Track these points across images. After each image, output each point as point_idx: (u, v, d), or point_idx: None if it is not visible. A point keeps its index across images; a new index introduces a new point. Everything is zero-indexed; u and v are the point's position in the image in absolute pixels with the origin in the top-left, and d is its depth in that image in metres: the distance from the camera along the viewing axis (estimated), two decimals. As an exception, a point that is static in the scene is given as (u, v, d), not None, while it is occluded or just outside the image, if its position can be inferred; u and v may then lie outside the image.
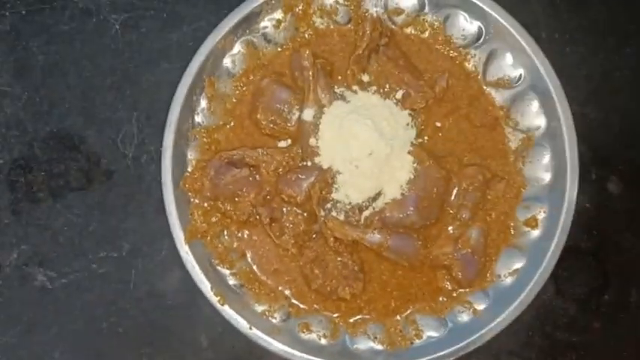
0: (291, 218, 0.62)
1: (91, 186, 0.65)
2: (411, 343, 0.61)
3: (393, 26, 0.65)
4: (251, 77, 0.64)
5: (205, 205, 0.62)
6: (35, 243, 0.64)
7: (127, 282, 0.64)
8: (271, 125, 0.63)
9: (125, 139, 0.65)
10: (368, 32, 0.62)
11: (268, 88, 0.63)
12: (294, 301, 0.63)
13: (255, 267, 0.63)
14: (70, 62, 0.66)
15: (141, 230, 0.64)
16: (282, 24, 0.64)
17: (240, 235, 0.63)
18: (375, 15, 0.64)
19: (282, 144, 0.63)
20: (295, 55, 0.63)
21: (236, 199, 0.62)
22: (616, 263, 0.66)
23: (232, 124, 0.64)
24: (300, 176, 0.61)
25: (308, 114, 0.62)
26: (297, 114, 0.62)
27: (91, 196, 0.65)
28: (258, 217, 0.62)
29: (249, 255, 0.63)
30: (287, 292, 0.63)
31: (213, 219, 0.62)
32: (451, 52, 0.65)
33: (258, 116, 0.63)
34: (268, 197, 0.62)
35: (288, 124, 0.63)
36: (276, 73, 0.64)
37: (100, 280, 0.64)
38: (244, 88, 0.64)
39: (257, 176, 0.62)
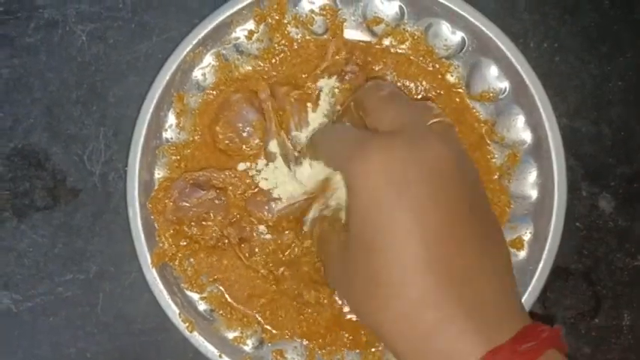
0: (261, 237, 0.59)
1: (57, 205, 0.62)
2: (390, 372, 0.58)
3: (372, 39, 0.61)
4: (222, 88, 0.61)
5: (171, 230, 0.59)
6: (-1, 265, 0.62)
7: (94, 305, 0.61)
8: (227, 142, 0.59)
9: (92, 156, 0.62)
10: (330, 54, 0.59)
11: (237, 103, 0.60)
12: (267, 326, 0.60)
13: (226, 295, 0.60)
14: (34, 76, 0.63)
15: (108, 252, 0.62)
16: (255, 35, 0.61)
17: (209, 260, 0.60)
18: (340, 38, 0.60)
19: (242, 167, 0.60)
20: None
21: (203, 222, 0.59)
22: (608, 285, 0.63)
23: (199, 135, 0.61)
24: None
25: (273, 145, 0.59)
26: (257, 140, 0.59)
27: (56, 216, 0.62)
28: (227, 239, 0.59)
29: (219, 282, 0.60)
30: (260, 317, 0.60)
31: (183, 242, 0.59)
32: (433, 63, 0.61)
33: (217, 128, 0.59)
34: (237, 218, 0.59)
35: (245, 146, 0.60)
36: (250, 92, 0.61)
37: (66, 304, 0.61)
38: (212, 99, 0.61)
39: (223, 199, 0.59)
